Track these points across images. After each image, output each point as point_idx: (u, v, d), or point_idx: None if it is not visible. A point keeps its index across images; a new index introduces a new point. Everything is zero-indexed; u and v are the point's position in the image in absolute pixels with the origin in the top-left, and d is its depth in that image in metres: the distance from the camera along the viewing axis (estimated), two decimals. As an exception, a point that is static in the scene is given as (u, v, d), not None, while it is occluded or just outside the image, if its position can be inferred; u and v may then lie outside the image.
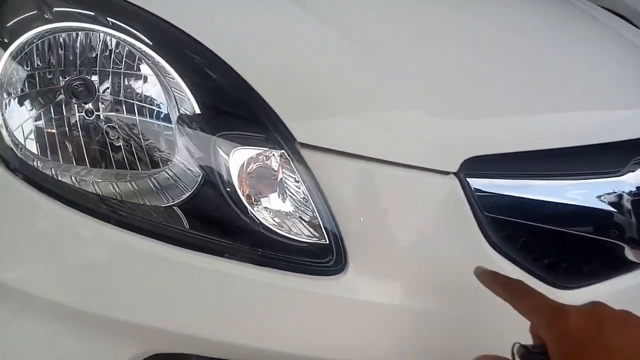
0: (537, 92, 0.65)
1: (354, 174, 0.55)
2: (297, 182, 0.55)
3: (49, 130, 0.55)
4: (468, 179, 0.56)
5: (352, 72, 0.59)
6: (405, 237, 0.56)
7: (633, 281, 0.66)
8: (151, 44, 0.54)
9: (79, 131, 0.55)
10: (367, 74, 0.59)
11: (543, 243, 0.61)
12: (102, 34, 0.53)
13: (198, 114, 0.54)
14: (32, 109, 0.54)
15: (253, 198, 0.55)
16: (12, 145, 0.54)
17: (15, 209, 0.55)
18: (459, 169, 0.56)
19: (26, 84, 0.54)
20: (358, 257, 0.55)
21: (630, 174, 0.63)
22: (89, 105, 0.55)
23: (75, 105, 0.55)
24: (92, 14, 0.53)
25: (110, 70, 0.54)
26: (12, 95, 0.54)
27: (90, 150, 0.55)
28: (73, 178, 0.55)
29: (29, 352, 0.58)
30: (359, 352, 0.56)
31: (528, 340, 0.44)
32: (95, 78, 0.55)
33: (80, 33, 0.53)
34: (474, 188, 0.56)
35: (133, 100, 0.55)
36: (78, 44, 0.54)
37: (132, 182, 0.56)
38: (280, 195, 0.55)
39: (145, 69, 0.55)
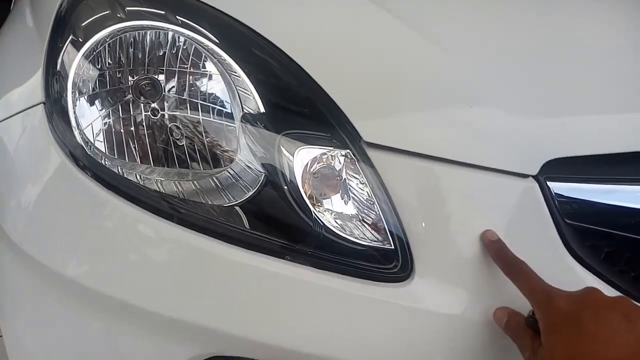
0: (624, 92, 0.60)
1: (422, 175, 0.52)
2: (362, 183, 0.53)
3: (117, 128, 0.55)
4: (549, 183, 0.52)
5: (425, 69, 0.56)
6: (476, 244, 0.53)
7: None
8: (219, 42, 0.54)
9: (144, 130, 0.55)
10: (442, 72, 0.56)
11: (629, 255, 0.56)
12: (170, 33, 0.54)
13: (262, 112, 0.54)
14: (102, 108, 0.55)
15: (315, 199, 0.53)
16: (82, 143, 0.55)
17: (83, 206, 0.56)
18: (539, 171, 0.52)
19: (97, 82, 0.55)
20: (424, 264, 0.52)
21: None
22: (155, 105, 0.55)
23: (142, 105, 0.55)
24: (163, 12, 0.54)
25: (177, 68, 0.55)
26: (84, 94, 0.55)
27: (154, 149, 0.56)
28: (138, 176, 0.55)
29: (87, 347, 0.59)
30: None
31: None
32: (161, 77, 0.55)
33: (149, 31, 0.54)
34: (555, 193, 0.53)
35: (197, 99, 0.55)
36: (147, 42, 0.54)
37: (195, 181, 0.56)
38: (343, 196, 0.53)
39: (210, 67, 0.55)
